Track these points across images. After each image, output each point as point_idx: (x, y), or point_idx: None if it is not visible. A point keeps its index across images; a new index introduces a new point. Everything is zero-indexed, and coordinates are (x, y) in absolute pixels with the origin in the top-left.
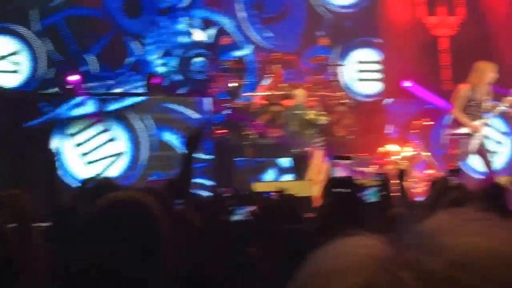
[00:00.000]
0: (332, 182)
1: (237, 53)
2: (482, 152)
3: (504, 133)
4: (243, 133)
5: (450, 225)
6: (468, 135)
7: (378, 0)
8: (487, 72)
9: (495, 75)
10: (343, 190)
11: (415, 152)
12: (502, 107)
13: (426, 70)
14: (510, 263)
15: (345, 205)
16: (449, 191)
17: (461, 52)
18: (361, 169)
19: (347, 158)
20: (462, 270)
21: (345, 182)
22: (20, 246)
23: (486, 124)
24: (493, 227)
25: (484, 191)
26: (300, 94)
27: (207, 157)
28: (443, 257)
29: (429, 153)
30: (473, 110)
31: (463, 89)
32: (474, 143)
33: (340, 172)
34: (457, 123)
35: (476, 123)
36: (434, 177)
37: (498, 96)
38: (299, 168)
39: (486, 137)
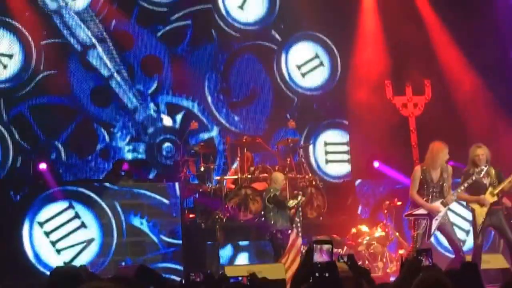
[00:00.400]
0: (315, 267)
1: (205, 137)
2: (446, 231)
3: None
4: (214, 217)
5: None
6: (426, 216)
7: (345, 81)
8: (439, 152)
9: (446, 155)
10: (326, 275)
11: (385, 233)
12: (460, 188)
13: (395, 150)
14: None
15: None
16: (419, 272)
17: (428, 132)
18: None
19: (327, 242)
20: None
21: (328, 268)
22: None
23: (446, 205)
24: None
25: (456, 271)
26: (278, 177)
27: (177, 241)
28: None
29: (398, 233)
30: (431, 190)
31: (417, 170)
32: (434, 223)
33: (319, 257)
34: (415, 204)
35: (434, 204)
36: (405, 257)
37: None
38: (274, 251)
39: (447, 215)
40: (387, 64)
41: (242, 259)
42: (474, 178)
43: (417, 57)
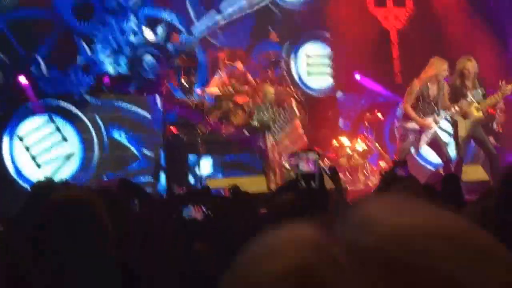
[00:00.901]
0: (302, 177)
1: (187, 50)
2: (436, 144)
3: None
4: (195, 130)
5: (381, 206)
6: (417, 130)
7: None
8: (440, 68)
9: (446, 72)
10: (312, 184)
11: (367, 146)
12: (457, 108)
13: (377, 63)
14: (434, 236)
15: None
16: (397, 183)
17: (410, 45)
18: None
19: (313, 151)
20: (392, 244)
21: (314, 178)
22: None
23: (437, 122)
24: (421, 207)
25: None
26: (269, 90)
27: (159, 155)
28: (374, 233)
29: (378, 146)
30: (425, 106)
31: (416, 84)
32: (423, 138)
33: (305, 167)
34: (407, 117)
35: (427, 120)
36: (384, 169)
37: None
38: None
39: (436, 133)
40: None
41: (223, 172)
42: (469, 99)
43: None
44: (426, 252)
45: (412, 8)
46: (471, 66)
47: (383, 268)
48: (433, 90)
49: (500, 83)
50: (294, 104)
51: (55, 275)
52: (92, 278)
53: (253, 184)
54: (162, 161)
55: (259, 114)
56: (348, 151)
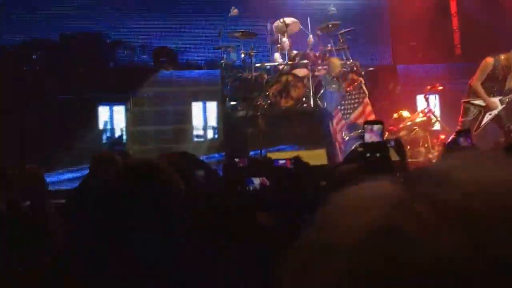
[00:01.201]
0: (366, 147)
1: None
2: (498, 119)
3: None
4: (255, 103)
5: (463, 162)
6: (482, 107)
7: None
8: None
9: None
10: (378, 155)
11: (427, 118)
12: None
13: (436, 34)
14: None
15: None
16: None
17: (469, 16)
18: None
19: (378, 122)
20: (476, 199)
21: (379, 148)
22: (36, 223)
23: (503, 103)
24: (505, 162)
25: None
26: (336, 63)
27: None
28: (458, 189)
29: (440, 119)
30: (492, 85)
31: (489, 63)
32: (487, 116)
33: (370, 137)
34: (475, 93)
35: (493, 99)
36: (445, 141)
37: None
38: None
39: (500, 111)
40: None
41: (283, 146)
42: None
43: None
44: None
45: None
46: None
47: (469, 225)
48: (505, 70)
49: None
50: (363, 83)
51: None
52: (166, 239)
53: (313, 157)
54: (222, 134)
55: (328, 87)
56: (409, 123)
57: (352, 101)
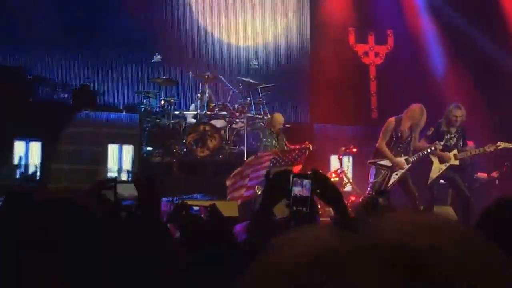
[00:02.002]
0: (294, 200)
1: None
2: (405, 183)
3: None
4: (171, 150)
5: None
6: (389, 168)
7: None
8: (419, 118)
9: (423, 122)
10: (304, 209)
11: (339, 179)
12: (429, 150)
13: (355, 98)
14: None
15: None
16: (378, 210)
17: (387, 81)
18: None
19: (308, 177)
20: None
21: (307, 203)
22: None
23: (409, 162)
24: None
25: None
26: (279, 120)
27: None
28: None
29: (351, 180)
30: (399, 145)
31: (391, 123)
32: (393, 176)
33: (300, 191)
34: (381, 154)
35: (399, 159)
36: (362, 200)
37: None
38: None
39: (407, 172)
40: (352, 12)
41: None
42: (438, 145)
43: (381, 7)
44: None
45: (392, 46)
46: (460, 113)
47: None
48: (406, 131)
49: (486, 145)
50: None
51: None
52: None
53: (225, 208)
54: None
55: (265, 140)
56: None
57: (289, 158)
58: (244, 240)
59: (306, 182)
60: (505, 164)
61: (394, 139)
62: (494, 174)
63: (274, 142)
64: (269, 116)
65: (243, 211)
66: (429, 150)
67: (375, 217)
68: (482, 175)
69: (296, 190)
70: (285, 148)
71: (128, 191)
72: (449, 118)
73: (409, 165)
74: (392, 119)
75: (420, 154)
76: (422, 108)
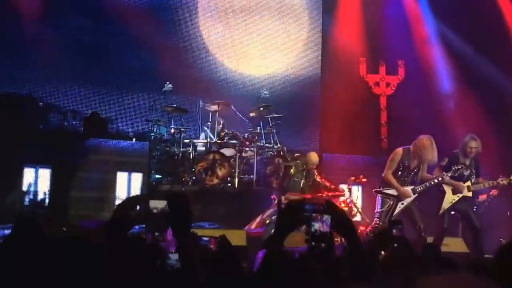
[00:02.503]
0: (313, 236)
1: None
2: (411, 213)
3: None
4: (180, 179)
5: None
6: (395, 197)
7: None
8: (426, 149)
9: (433, 157)
10: (323, 245)
11: (348, 208)
12: (436, 180)
13: (365, 127)
14: None
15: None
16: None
17: (398, 112)
18: None
19: (326, 213)
20: None
21: (326, 238)
22: None
23: (416, 192)
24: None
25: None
26: (313, 160)
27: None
28: None
29: (360, 210)
30: (405, 175)
31: (398, 153)
32: (399, 206)
33: (320, 227)
34: (387, 183)
35: (406, 188)
36: (366, 232)
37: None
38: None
39: (413, 202)
40: (363, 43)
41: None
42: (446, 177)
43: (392, 37)
44: None
45: (403, 76)
46: (475, 144)
47: None
48: (414, 162)
49: (499, 177)
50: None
51: None
52: None
53: (233, 237)
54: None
55: (294, 175)
56: None
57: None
58: (257, 268)
59: (326, 218)
60: (499, 177)
61: (401, 169)
62: (493, 192)
63: (302, 180)
64: (278, 146)
65: (252, 240)
66: (435, 181)
67: (389, 251)
68: (482, 197)
69: (316, 225)
70: (317, 180)
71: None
72: (465, 150)
73: (415, 195)
74: (399, 150)
75: (427, 184)
76: (431, 140)
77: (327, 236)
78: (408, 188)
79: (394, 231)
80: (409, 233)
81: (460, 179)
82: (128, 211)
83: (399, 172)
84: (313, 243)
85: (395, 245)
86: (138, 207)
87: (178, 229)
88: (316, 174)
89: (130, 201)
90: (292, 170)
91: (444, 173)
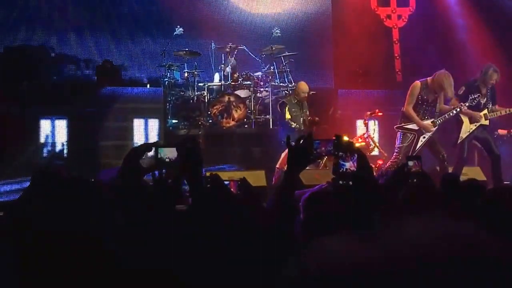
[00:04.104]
0: (345, 176)
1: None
2: (433, 144)
3: None
4: (197, 123)
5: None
6: (416, 131)
7: None
8: (445, 86)
9: (451, 92)
10: (350, 183)
11: (365, 143)
12: (454, 111)
13: (378, 61)
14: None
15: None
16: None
17: (411, 44)
18: None
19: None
20: None
21: (351, 176)
22: None
23: (436, 125)
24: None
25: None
26: (303, 88)
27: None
28: None
29: (378, 144)
30: (425, 108)
31: (417, 87)
32: (421, 139)
33: (350, 165)
34: (408, 118)
35: (426, 122)
36: (385, 168)
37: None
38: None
39: (434, 134)
40: None
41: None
42: (465, 106)
43: None
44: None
45: (414, 7)
46: (497, 77)
47: None
48: (432, 94)
49: None
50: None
51: None
52: None
53: (253, 178)
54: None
55: (290, 110)
56: None
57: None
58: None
59: (355, 157)
60: None
61: (420, 102)
62: None
63: (298, 111)
64: (293, 84)
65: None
66: (454, 112)
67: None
68: (502, 132)
69: (347, 165)
70: (308, 117)
71: (170, 154)
72: (485, 81)
73: (436, 128)
74: (417, 83)
75: (446, 116)
76: (449, 75)
77: (355, 175)
78: (429, 121)
79: (411, 165)
80: (431, 165)
81: (477, 107)
82: (136, 160)
83: (418, 106)
84: (341, 182)
85: (414, 180)
86: (148, 154)
87: (189, 174)
88: (307, 109)
89: (137, 149)
90: (287, 107)
91: (461, 103)
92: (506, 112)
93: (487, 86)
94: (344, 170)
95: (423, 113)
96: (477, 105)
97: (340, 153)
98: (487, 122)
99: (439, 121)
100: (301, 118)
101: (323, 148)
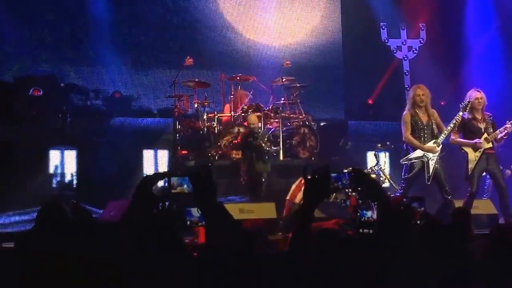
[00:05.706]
0: (362, 223)
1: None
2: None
3: None
4: (206, 154)
5: None
6: (422, 158)
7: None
8: (414, 94)
9: (422, 97)
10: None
11: (376, 176)
12: (452, 124)
13: (389, 93)
14: None
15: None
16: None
17: (421, 75)
18: None
19: (375, 198)
20: None
21: (373, 224)
22: None
23: (439, 144)
24: None
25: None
26: (253, 119)
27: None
28: None
29: (388, 176)
30: (422, 133)
31: (406, 114)
32: (431, 164)
33: (372, 216)
34: (412, 147)
35: (429, 144)
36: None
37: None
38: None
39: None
40: (383, 7)
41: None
42: (460, 114)
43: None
44: None
45: (425, 40)
46: (480, 97)
47: None
48: (424, 117)
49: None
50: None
51: None
52: None
53: (262, 209)
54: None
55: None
56: None
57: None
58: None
59: (374, 206)
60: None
61: (416, 128)
62: None
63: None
64: (303, 115)
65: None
66: (453, 123)
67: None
68: (508, 172)
69: (369, 213)
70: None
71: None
72: (472, 104)
73: (440, 147)
74: (405, 111)
75: (446, 132)
76: (415, 87)
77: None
78: (431, 143)
79: (415, 205)
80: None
81: (477, 134)
82: (149, 189)
83: (415, 132)
84: (361, 230)
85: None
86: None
87: (203, 203)
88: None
89: (149, 178)
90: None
91: (459, 113)
92: (501, 131)
93: (476, 109)
94: (366, 219)
95: (424, 137)
96: (477, 131)
97: (360, 201)
98: (490, 145)
99: (441, 139)
100: None
101: (339, 182)
